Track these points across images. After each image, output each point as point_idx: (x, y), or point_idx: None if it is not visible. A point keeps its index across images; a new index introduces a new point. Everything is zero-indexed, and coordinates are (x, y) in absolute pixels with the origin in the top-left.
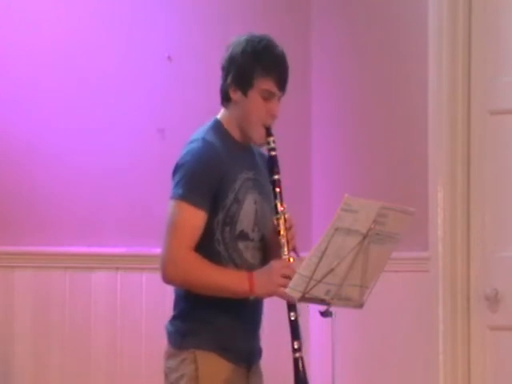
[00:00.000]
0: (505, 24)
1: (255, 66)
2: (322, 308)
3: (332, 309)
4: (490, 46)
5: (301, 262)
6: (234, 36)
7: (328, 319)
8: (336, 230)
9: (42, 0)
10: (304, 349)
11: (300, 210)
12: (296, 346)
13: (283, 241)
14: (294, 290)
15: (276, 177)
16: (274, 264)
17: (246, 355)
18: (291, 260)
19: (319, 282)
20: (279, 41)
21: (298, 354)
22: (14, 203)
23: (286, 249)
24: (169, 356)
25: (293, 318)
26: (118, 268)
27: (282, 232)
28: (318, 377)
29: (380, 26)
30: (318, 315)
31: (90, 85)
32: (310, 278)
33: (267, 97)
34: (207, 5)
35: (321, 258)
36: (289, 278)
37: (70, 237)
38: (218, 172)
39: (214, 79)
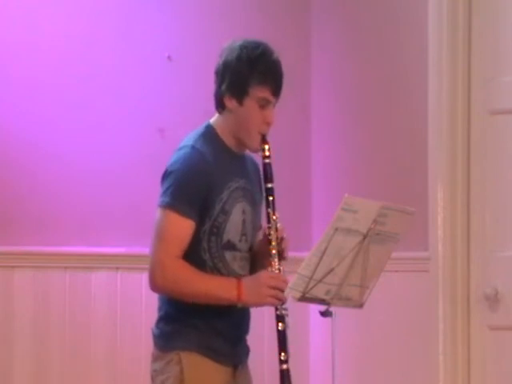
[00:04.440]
0: (504, 24)
1: (251, 74)
2: (322, 308)
3: (332, 309)
4: (489, 46)
5: (298, 265)
6: (229, 40)
7: (328, 319)
8: (336, 229)
9: (41, 0)
10: (304, 349)
11: (300, 210)
12: (283, 358)
13: (274, 251)
14: (293, 289)
15: (269, 185)
16: (263, 274)
17: (231, 356)
18: (281, 270)
19: (319, 281)
20: (279, 41)
21: (284, 366)
22: (14, 203)
23: (275, 259)
24: (154, 359)
25: (280, 329)
26: (118, 268)
27: (273, 242)
28: (318, 377)
29: (380, 26)
30: (318, 315)
31: (89, 85)
32: (310, 278)
33: (263, 104)
34: (207, 5)
35: (321, 258)
36: (277, 288)
37: (69, 237)
38: (205, 181)
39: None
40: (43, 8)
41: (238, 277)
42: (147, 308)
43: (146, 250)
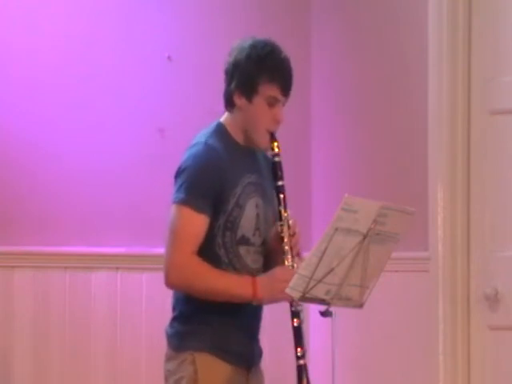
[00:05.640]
0: (504, 24)
1: (260, 72)
2: (322, 308)
3: (332, 309)
4: (489, 46)
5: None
6: (237, 39)
7: (328, 319)
8: (336, 229)
9: (41, 0)
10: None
11: (300, 210)
12: (299, 354)
13: (286, 248)
14: (293, 289)
15: (280, 183)
16: (278, 271)
17: (245, 357)
18: (294, 267)
19: (319, 281)
20: (279, 41)
21: (301, 361)
22: (14, 203)
23: (289, 256)
24: (168, 359)
25: (296, 325)
26: (118, 268)
27: (285, 239)
28: (318, 377)
29: (380, 26)
30: (318, 315)
31: (89, 85)
32: (310, 278)
33: (272, 103)
34: (207, 5)
35: (321, 258)
36: None
37: (69, 237)
38: (219, 177)
39: (214, 79)
40: (43, 8)
41: (252, 271)
42: (147, 308)
43: (145, 249)
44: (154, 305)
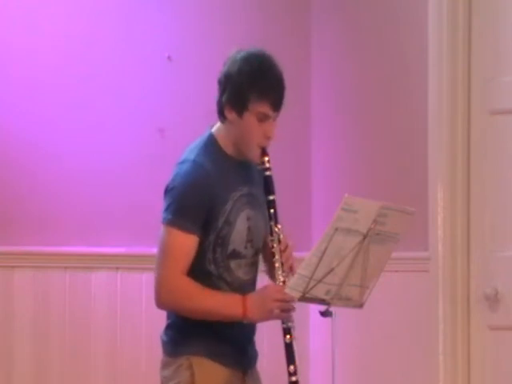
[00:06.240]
0: (504, 24)
1: (251, 89)
2: (322, 308)
3: (332, 309)
4: (489, 46)
5: (298, 265)
6: (234, 48)
7: (328, 319)
8: (336, 229)
9: (41, 0)
10: (304, 349)
11: (300, 210)
12: (291, 370)
13: (277, 264)
14: (293, 289)
15: (271, 197)
16: (269, 289)
17: (240, 360)
18: (285, 282)
19: (319, 281)
20: (279, 41)
21: (294, 378)
22: (14, 203)
23: (280, 272)
24: (164, 365)
25: (288, 342)
26: (118, 268)
27: (276, 256)
28: (318, 377)
29: (380, 26)
30: (318, 315)
31: (89, 85)
32: (310, 278)
33: (262, 119)
34: (207, 5)
35: (321, 258)
36: (283, 301)
37: (69, 237)
38: (208, 195)
39: (214, 79)
40: (43, 8)
41: (244, 282)
42: (147, 308)
43: (145, 249)
44: (153, 305)
